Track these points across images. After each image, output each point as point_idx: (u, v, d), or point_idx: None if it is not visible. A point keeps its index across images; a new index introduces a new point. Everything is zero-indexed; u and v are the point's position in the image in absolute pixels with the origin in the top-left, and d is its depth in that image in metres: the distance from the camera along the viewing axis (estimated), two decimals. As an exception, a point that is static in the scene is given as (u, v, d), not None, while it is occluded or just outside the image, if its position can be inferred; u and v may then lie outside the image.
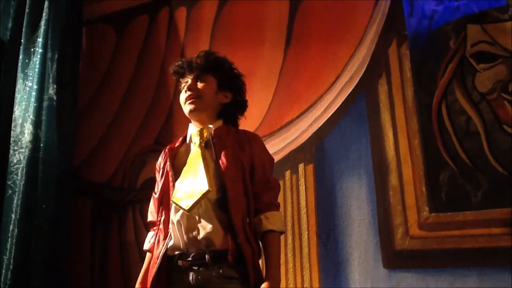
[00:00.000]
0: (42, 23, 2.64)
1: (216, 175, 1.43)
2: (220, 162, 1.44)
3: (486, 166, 1.85)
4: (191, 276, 1.37)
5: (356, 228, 2.01)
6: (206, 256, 1.36)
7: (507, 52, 1.90)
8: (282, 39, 2.39)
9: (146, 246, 1.57)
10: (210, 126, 1.53)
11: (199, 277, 1.37)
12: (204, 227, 1.39)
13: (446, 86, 1.99)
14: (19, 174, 2.43)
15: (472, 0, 2.00)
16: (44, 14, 2.66)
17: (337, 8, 2.29)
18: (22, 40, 2.66)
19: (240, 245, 1.36)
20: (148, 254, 1.56)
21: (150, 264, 1.48)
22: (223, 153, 1.45)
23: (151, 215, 1.59)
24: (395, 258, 1.92)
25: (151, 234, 1.58)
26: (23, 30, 2.67)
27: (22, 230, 2.33)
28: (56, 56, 2.60)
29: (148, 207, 1.60)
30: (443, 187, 1.90)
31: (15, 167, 2.47)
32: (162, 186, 1.51)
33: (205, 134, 1.51)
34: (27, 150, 2.44)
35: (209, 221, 1.39)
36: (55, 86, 2.56)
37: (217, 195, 1.41)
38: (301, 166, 2.17)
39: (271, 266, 1.39)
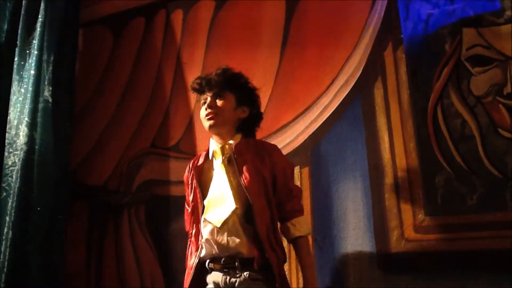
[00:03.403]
0: (38, 25, 2.63)
1: (239, 190, 1.54)
2: (243, 177, 1.54)
3: (481, 169, 1.85)
4: (221, 277, 1.51)
5: (352, 231, 2.01)
6: (236, 263, 1.49)
7: (502, 56, 1.90)
8: (278, 41, 2.39)
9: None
10: (231, 142, 1.63)
11: (228, 278, 1.50)
12: (234, 241, 1.51)
13: (441, 90, 1.99)
14: (14, 176, 2.43)
15: (467, 4, 2.01)
16: (40, 16, 2.65)
17: (333, 11, 2.29)
18: (17, 42, 2.65)
19: (265, 253, 1.48)
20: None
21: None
22: (245, 168, 1.56)
23: (187, 225, 1.72)
24: (390, 261, 1.92)
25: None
26: (19, 32, 2.66)
27: (16, 233, 2.33)
28: (52, 58, 2.60)
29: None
30: (439, 190, 1.90)
31: (10, 169, 2.46)
32: (192, 202, 1.64)
33: (226, 151, 1.61)
34: (22, 153, 2.43)
35: (237, 235, 1.52)
36: (50, 88, 2.55)
37: (242, 209, 1.53)
38: (296, 169, 2.17)
39: (306, 270, 1.54)
